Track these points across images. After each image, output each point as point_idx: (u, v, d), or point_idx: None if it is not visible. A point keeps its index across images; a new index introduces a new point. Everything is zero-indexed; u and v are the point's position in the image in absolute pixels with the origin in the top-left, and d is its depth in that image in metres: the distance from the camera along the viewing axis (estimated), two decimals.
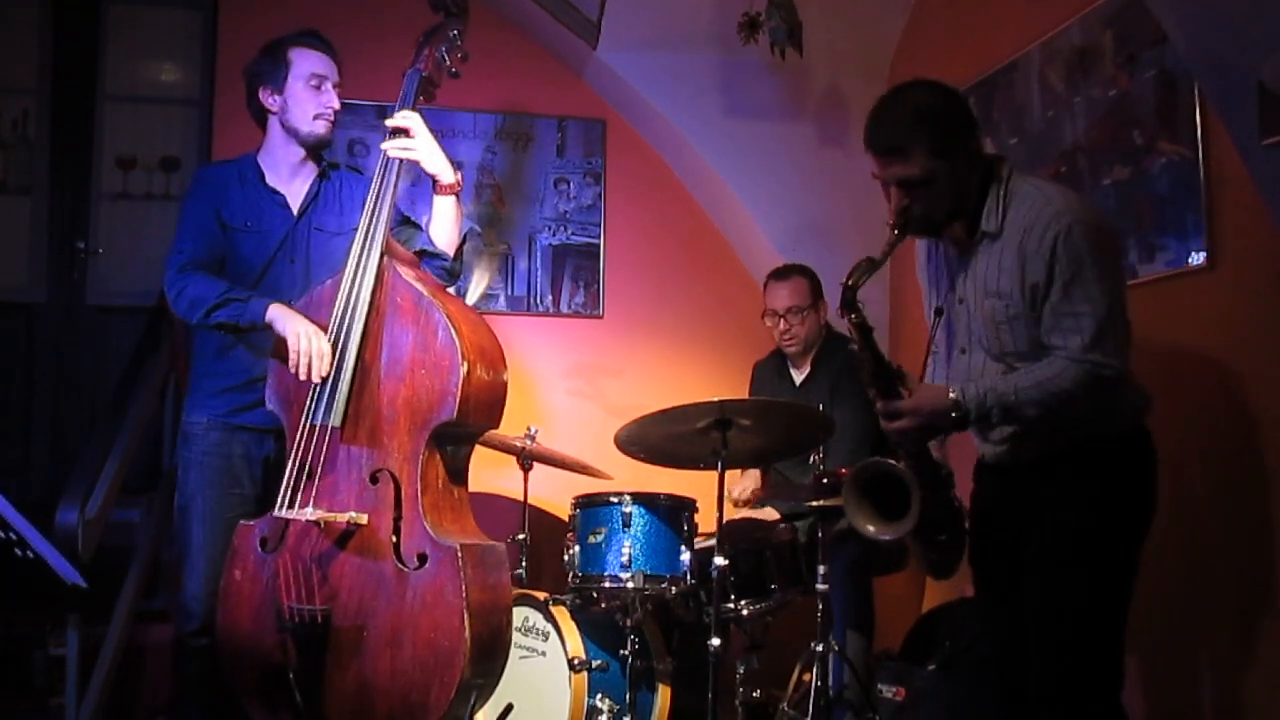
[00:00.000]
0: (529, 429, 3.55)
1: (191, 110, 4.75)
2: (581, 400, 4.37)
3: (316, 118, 2.88)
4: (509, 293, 4.40)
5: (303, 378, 2.61)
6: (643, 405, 3.04)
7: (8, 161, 4.71)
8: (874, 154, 2.20)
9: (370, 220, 2.72)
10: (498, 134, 4.42)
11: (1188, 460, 2.89)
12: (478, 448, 3.63)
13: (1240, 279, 2.78)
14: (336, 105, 2.91)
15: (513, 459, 3.59)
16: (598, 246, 4.47)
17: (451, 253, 2.93)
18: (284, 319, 2.64)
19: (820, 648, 2.98)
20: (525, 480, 3.58)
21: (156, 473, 4.12)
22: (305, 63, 2.88)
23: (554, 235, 4.44)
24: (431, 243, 2.92)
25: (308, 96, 2.87)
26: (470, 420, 2.68)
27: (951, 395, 2.15)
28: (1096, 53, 3.23)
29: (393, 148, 2.79)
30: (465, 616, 2.48)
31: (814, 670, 2.99)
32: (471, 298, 4.33)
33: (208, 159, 4.35)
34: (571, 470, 3.67)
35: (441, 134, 4.28)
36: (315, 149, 2.93)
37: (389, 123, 2.82)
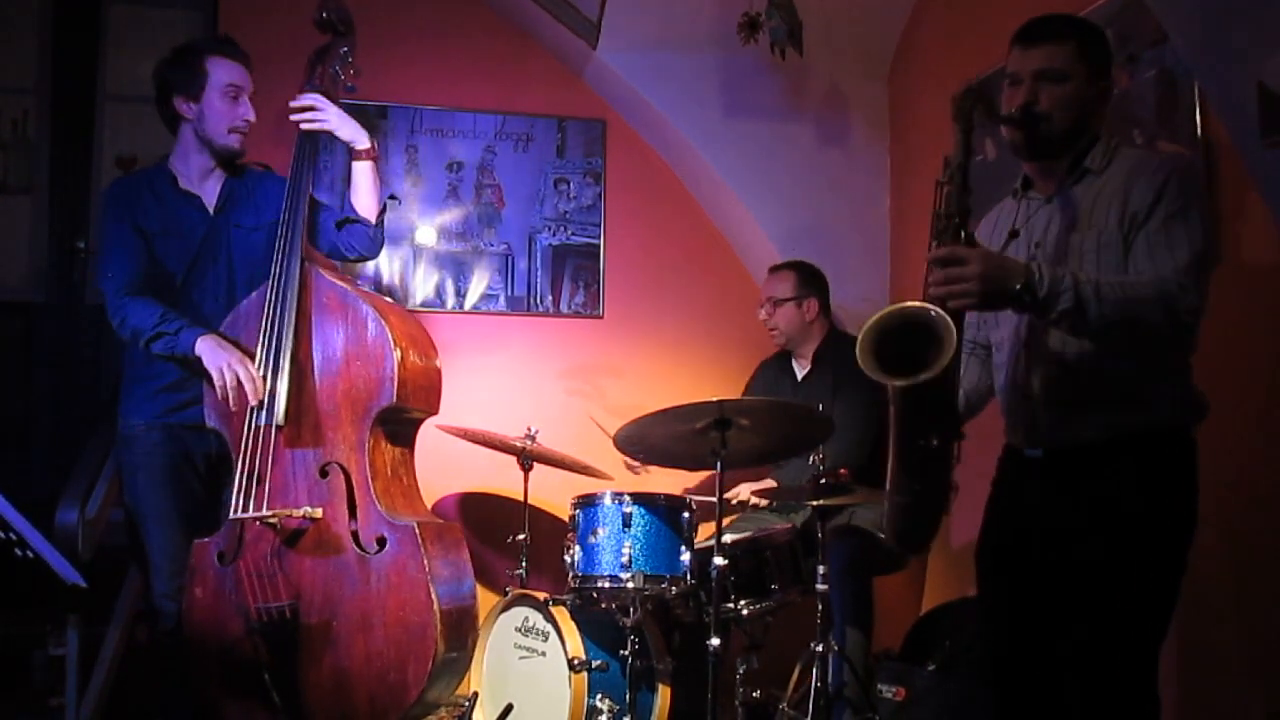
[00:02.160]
0: (529, 429, 3.56)
1: None
2: (581, 400, 4.37)
3: (231, 131, 2.92)
4: (509, 293, 4.40)
5: (234, 408, 2.70)
6: (643, 405, 3.04)
7: (8, 161, 4.71)
8: (1022, 43, 2.16)
9: (287, 228, 2.82)
10: (498, 134, 4.41)
11: None
12: (478, 448, 3.67)
13: (1240, 279, 2.78)
14: (251, 117, 2.93)
15: (513, 459, 3.60)
16: (598, 246, 4.46)
17: (373, 219, 3.02)
18: (209, 353, 2.71)
19: (820, 647, 2.98)
20: (525, 480, 3.58)
21: None
22: (222, 73, 2.89)
23: (554, 235, 4.44)
24: (354, 210, 3.02)
25: (224, 108, 2.90)
26: (409, 404, 2.78)
27: (1026, 262, 1.95)
28: None
29: (303, 120, 2.90)
30: (431, 590, 2.55)
31: (814, 670, 3.00)
32: (471, 298, 4.34)
33: None
34: (572, 470, 3.68)
35: (441, 134, 4.34)
36: (227, 160, 2.96)
37: (292, 106, 2.93)
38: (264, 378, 2.70)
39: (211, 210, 2.95)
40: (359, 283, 3.39)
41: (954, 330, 1.86)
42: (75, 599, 2.46)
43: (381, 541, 2.61)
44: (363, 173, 2.99)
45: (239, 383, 2.66)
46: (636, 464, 3.70)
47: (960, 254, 1.91)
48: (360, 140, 2.97)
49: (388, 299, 3.32)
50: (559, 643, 3.09)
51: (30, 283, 4.72)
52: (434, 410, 2.91)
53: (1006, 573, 2.25)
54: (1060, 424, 2.13)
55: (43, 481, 4.49)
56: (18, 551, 2.07)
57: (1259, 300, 2.73)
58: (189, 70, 2.88)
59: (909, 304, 1.94)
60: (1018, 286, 1.90)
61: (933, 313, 1.88)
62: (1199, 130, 2.85)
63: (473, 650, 2.75)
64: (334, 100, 3.02)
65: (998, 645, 2.29)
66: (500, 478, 3.97)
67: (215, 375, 2.68)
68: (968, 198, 1.99)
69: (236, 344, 2.76)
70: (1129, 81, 3.10)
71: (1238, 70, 2.51)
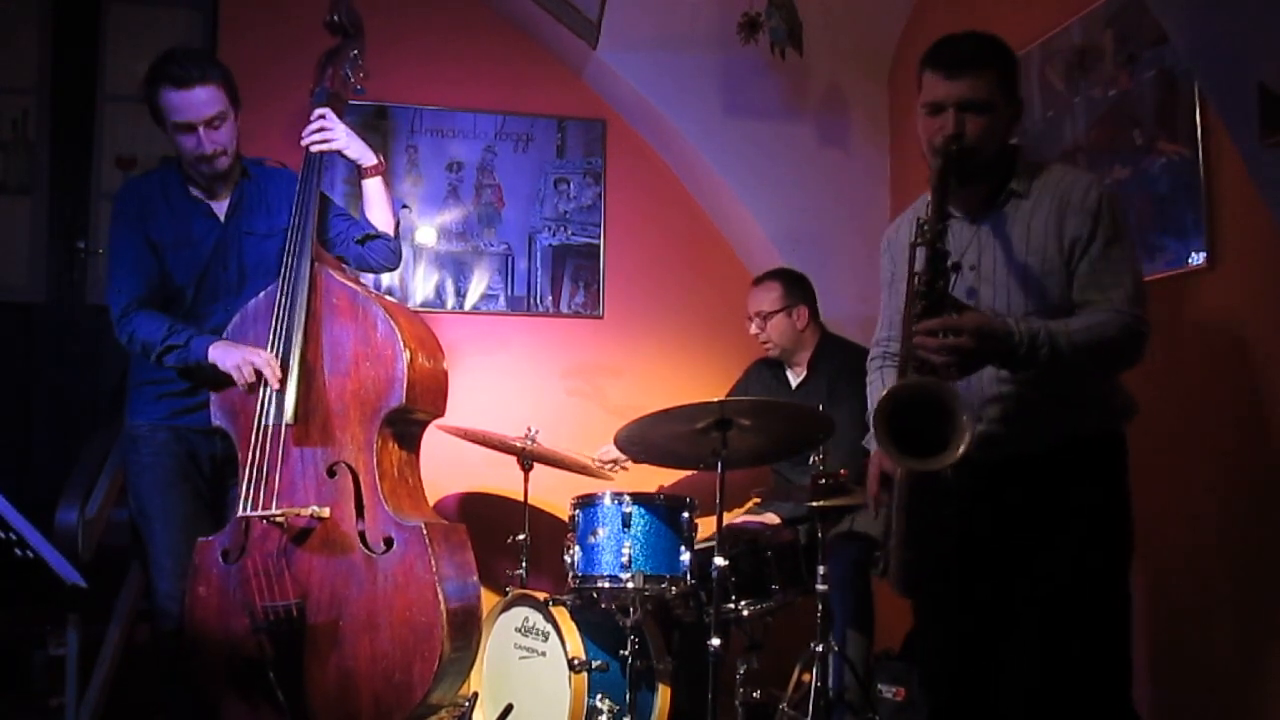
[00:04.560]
0: (529, 429, 3.56)
1: None
2: (581, 400, 4.37)
3: (198, 161, 2.84)
4: (509, 293, 4.40)
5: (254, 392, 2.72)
6: (643, 405, 3.05)
7: (8, 161, 4.71)
8: (943, 70, 2.15)
9: (297, 230, 2.81)
10: (498, 134, 4.41)
11: (1188, 460, 2.90)
12: (478, 448, 3.67)
13: (1240, 279, 2.78)
14: (208, 149, 2.80)
15: (513, 459, 3.60)
16: (598, 246, 4.46)
17: (391, 232, 3.03)
18: (223, 356, 2.72)
19: (820, 648, 2.98)
20: (525, 480, 3.58)
21: None
22: (171, 110, 2.78)
23: (554, 235, 4.44)
24: (371, 226, 3.02)
25: (182, 143, 2.83)
26: (418, 405, 2.78)
27: (1008, 324, 2.01)
28: (1096, 53, 3.23)
29: (312, 141, 2.89)
30: (438, 591, 2.56)
31: (814, 670, 3.00)
32: (471, 298, 4.34)
33: None
34: (571, 470, 3.68)
35: (441, 134, 4.34)
36: (218, 179, 2.92)
37: (304, 136, 2.92)
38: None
39: (222, 218, 2.93)
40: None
41: (965, 401, 1.92)
42: (75, 599, 2.46)
43: (389, 542, 2.62)
44: (374, 189, 3.00)
45: (257, 374, 2.69)
46: (609, 463, 3.66)
47: (955, 324, 1.97)
48: (368, 158, 2.96)
49: (399, 302, 3.33)
50: (559, 643, 3.09)
51: (30, 283, 4.72)
52: (440, 412, 2.91)
53: (959, 575, 2.24)
54: (1018, 434, 2.18)
55: (43, 481, 4.49)
56: (18, 551, 2.07)
57: (1259, 300, 2.73)
58: (150, 100, 2.81)
59: (920, 380, 1.97)
60: (999, 352, 2.00)
61: (944, 388, 1.93)
62: (1199, 130, 2.86)
63: (477, 651, 2.74)
64: (344, 102, 3.02)
65: (947, 656, 2.30)
66: (500, 478, 3.97)
67: (235, 374, 2.70)
68: (946, 260, 2.02)
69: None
70: (1129, 81, 3.10)
71: (1238, 70, 2.52)
